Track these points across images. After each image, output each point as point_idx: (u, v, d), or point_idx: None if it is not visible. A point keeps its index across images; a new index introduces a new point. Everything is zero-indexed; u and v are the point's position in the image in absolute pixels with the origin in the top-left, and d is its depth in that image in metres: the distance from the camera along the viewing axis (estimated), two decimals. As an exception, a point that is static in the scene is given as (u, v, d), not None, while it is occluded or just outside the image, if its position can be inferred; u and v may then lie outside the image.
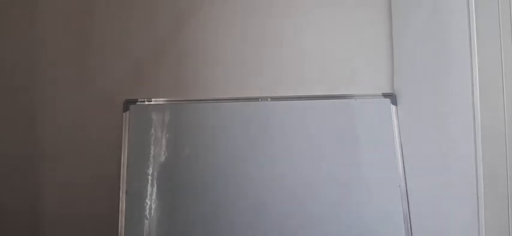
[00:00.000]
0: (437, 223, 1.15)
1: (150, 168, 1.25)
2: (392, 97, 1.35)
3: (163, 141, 1.26)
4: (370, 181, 1.29)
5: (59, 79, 1.30)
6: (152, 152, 1.26)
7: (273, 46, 1.36)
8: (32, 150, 1.28)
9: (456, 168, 1.04)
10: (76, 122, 1.29)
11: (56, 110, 1.29)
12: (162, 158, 1.26)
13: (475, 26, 0.94)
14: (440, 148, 1.12)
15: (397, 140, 1.32)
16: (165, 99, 1.29)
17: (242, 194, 1.26)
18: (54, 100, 1.29)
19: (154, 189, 1.24)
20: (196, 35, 1.34)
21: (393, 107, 1.34)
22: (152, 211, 1.23)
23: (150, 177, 1.24)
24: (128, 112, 1.27)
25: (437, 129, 1.13)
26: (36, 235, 1.22)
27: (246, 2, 1.36)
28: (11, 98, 1.28)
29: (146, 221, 1.22)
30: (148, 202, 1.23)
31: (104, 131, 1.28)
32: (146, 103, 1.29)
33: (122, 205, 1.21)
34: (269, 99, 1.32)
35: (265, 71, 1.35)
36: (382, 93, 1.36)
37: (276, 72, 1.35)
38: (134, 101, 1.28)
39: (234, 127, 1.29)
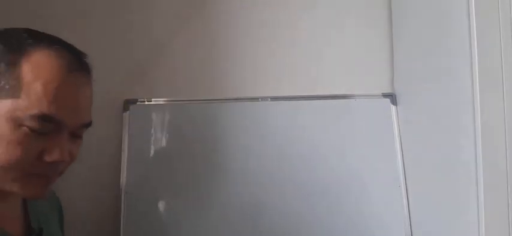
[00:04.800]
0: (438, 223, 1.15)
1: (150, 168, 1.25)
2: (392, 97, 1.35)
3: (164, 141, 1.26)
4: (370, 181, 1.29)
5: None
6: (152, 152, 1.25)
7: (273, 47, 1.36)
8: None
9: (456, 167, 1.04)
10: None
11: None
12: (162, 158, 1.25)
13: (475, 25, 0.94)
14: (440, 148, 1.12)
15: (397, 140, 1.32)
16: (165, 99, 1.29)
17: (242, 194, 1.26)
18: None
19: (154, 189, 1.24)
20: (196, 34, 1.34)
21: (393, 107, 1.34)
22: (152, 211, 1.23)
23: (150, 177, 1.24)
24: (127, 112, 1.27)
25: (438, 129, 1.13)
26: None
27: (245, 4, 1.36)
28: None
29: (146, 222, 1.22)
30: (148, 202, 1.23)
31: (103, 131, 1.28)
32: (146, 103, 1.28)
33: (122, 205, 1.21)
34: (269, 99, 1.32)
35: (265, 71, 1.35)
36: (382, 93, 1.36)
37: (276, 72, 1.35)
38: (134, 101, 1.28)
39: (234, 127, 1.29)
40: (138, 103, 1.28)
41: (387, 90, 1.37)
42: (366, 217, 1.27)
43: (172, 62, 1.33)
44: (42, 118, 0.62)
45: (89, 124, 0.71)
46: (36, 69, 0.63)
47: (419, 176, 1.25)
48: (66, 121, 0.65)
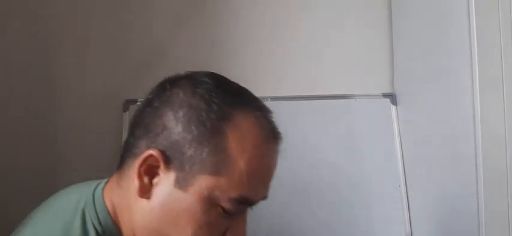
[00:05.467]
0: (438, 224, 1.15)
1: (150, 168, 1.25)
2: (392, 97, 1.35)
3: (163, 141, 1.26)
4: (370, 181, 1.29)
5: (58, 79, 1.29)
6: (152, 152, 1.25)
7: (272, 46, 1.36)
8: (30, 150, 1.27)
9: (456, 168, 1.04)
10: (75, 122, 1.28)
11: (54, 110, 1.28)
12: (162, 158, 1.25)
13: (475, 25, 0.94)
14: (440, 148, 1.12)
15: (397, 140, 1.32)
16: (165, 99, 1.29)
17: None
18: (53, 100, 1.29)
19: (154, 189, 1.24)
20: (196, 33, 1.34)
21: (393, 107, 1.34)
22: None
23: (150, 177, 1.24)
24: (127, 112, 1.27)
25: (438, 129, 1.13)
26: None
27: (245, 3, 1.36)
28: (10, 99, 1.28)
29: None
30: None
31: (103, 131, 1.28)
32: (146, 103, 1.28)
33: (122, 205, 1.21)
34: (269, 99, 1.31)
35: (265, 71, 1.35)
36: (382, 93, 1.36)
37: (276, 73, 1.35)
38: (134, 101, 1.28)
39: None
40: (138, 103, 1.28)
41: (387, 90, 1.36)
42: (365, 217, 1.27)
43: (172, 62, 1.33)
44: (240, 200, 0.54)
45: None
46: (242, 142, 0.53)
47: (419, 176, 1.24)
48: (257, 200, 0.58)
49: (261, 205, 1.26)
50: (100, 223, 0.56)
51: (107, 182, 0.63)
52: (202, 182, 0.52)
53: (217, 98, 0.54)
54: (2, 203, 1.21)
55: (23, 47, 1.29)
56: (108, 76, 1.30)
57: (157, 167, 0.53)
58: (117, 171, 0.60)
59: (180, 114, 0.53)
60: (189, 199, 0.52)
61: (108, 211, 0.57)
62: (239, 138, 0.53)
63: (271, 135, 0.58)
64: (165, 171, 0.53)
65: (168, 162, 0.53)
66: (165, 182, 0.53)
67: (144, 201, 0.54)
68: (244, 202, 0.55)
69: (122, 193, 0.57)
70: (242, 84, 1.35)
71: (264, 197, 0.60)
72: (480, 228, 0.94)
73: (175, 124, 0.53)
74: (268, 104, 1.32)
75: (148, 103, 0.58)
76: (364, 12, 1.38)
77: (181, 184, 0.53)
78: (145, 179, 0.54)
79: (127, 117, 1.27)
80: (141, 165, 0.53)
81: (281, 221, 1.25)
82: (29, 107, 1.28)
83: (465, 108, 0.97)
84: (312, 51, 1.37)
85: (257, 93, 1.34)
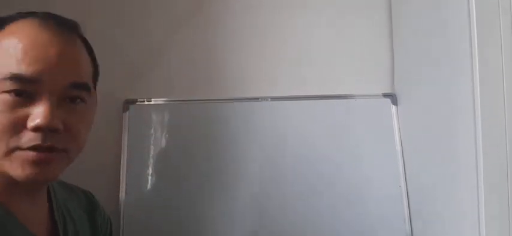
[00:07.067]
0: (438, 224, 1.15)
1: (150, 169, 1.25)
2: (392, 97, 1.35)
3: (163, 141, 1.26)
4: (370, 181, 1.29)
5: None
6: (152, 152, 1.25)
7: (273, 46, 1.36)
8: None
9: (456, 168, 1.04)
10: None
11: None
12: (162, 158, 1.25)
13: (475, 25, 0.94)
14: (440, 148, 1.12)
15: (397, 140, 1.32)
16: (165, 99, 1.29)
17: (242, 194, 1.25)
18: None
19: (154, 189, 1.24)
20: (196, 34, 1.34)
21: (394, 107, 1.34)
22: (152, 211, 1.23)
23: (150, 178, 1.24)
24: (127, 112, 1.27)
25: (438, 129, 1.13)
26: None
27: (243, 4, 1.36)
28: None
29: (146, 222, 1.22)
30: (149, 203, 1.23)
31: (103, 131, 1.28)
32: (146, 103, 1.28)
33: (122, 206, 1.21)
34: (269, 99, 1.32)
35: (265, 71, 1.35)
36: (383, 93, 1.36)
37: (276, 72, 1.35)
38: (134, 101, 1.28)
39: (234, 127, 1.29)
40: (137, 103, 1.28)
41: (388, 90, 1.36)
42: (366, 217, 1.27)
43: (172, 62, 1.33)
44: (15, 79, 0.58)
45: (83, 86, 0.67)
46: (7, 35, 0.62)
47: (419, 176, 1.24)
48: (43, 79, 0.60)
49: (261, 204, 1.26)
50: None
51: None
52: None
53: None
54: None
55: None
56: (108, 77, 1.29)
57: None
58: None
59: None
60: None
61: None
62: (4, 35, 0.63)
63: (43, 22, 0.66)
64: None
65: None
66: None
67: None
68: (24, 80, 0.59)
69: None
70: (241, 84, 1.37)
71: (72, 83, 0.64)
72: (480, 229, 0.94)
73: None
74: (269, 104, 1.34)
75: None
76: (364, 12, 1.38)
77: None
78: None
79: (127, 117, 1.27)
80: None
81: (281, 220, 1.25)
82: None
83: (465, 108, 0.97)
84: (312, 52, 1.36)
85: (257, 93, 1.35)
